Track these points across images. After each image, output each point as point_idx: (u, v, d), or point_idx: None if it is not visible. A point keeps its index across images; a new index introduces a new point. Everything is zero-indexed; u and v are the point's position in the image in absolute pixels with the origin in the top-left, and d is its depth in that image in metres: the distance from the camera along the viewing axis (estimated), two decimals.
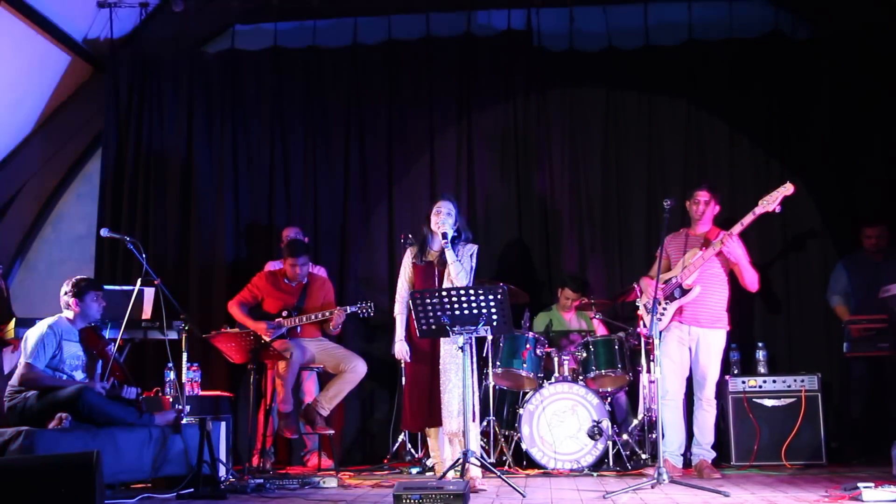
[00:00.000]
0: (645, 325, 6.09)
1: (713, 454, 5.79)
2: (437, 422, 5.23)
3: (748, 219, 5.59)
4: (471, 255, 5.34)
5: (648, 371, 6.16)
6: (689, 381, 5.85)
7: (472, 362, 5.06)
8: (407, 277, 5.46)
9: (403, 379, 6.38)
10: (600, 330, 6.78)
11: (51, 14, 7.10)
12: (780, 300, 7.05)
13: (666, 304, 5.73)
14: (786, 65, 7.20)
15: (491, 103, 7.50)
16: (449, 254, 5.25)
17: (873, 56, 7.07)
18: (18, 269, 7.89)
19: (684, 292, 5.68)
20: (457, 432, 5.15)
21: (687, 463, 5.90)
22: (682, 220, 6.21)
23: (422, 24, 7.61)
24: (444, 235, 5.24)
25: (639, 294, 6.02)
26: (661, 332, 5.82)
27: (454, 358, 5.19)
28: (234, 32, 7.81)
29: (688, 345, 5.77)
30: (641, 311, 6.02)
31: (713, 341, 5.76)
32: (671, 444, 5.72)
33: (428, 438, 5.41)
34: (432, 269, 5.36)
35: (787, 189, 5.53)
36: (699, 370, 5.76)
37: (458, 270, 5.23)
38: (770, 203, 5.54)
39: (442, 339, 5.21)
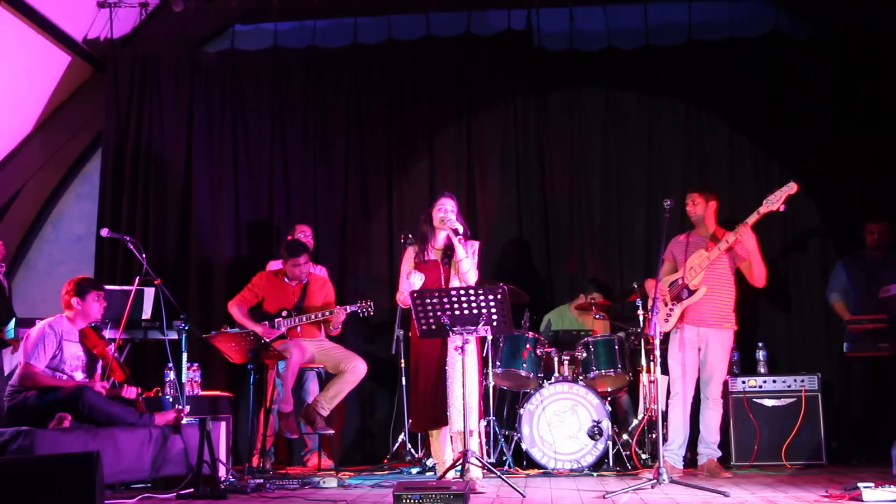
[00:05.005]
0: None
1: (719, 453, 5.79)
2: (443, 422, 5.21)
3: (753, 219, 5.59)
4: (473, 252, 5.34)
5: (648, 371, 6.15)
6: (697, 381, 5.84)
7: (474, 362, 5.05)
8: (408, 277, 5.44)
9: (404, 379, 6.39)
10: (601, 330, 6.76)
11: (50, 14, 7.10)
12: (781, 300, 7.04)
13: (673, 305, 5.73)
14: (786, 65, 7.20)
15: (491, 103, 7.50)
16: (459, 249, 5.23)
17: (873, 56, 7.07)
18: (18, 269, 7.88)
19: (691, 293, 5.68)
20: (461, 431, 5.14)
21: (691, 463, 5.90)
22: (682, 221, 6.20)
23: (422, 24, 7.60)
24: (456, 231, 5.22)
25: (641, 294, 6.01)
26: (667, 334, 5.85)
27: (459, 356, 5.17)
28: (234, 32, 7.81)
29: (697, 345, 5.75)
30: (648, 313, 6.01)
31: (721, 341, 5.74)
32: (673, 443, 5.71)
33: (431, 439, 5.39)
34: (436, 267, 5.33)
35: (791, 188, 5.53)
36: (707, 370, 5.74)
37: (470, 266, 5.23)
38: (774, 202, 5.54)
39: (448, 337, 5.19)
